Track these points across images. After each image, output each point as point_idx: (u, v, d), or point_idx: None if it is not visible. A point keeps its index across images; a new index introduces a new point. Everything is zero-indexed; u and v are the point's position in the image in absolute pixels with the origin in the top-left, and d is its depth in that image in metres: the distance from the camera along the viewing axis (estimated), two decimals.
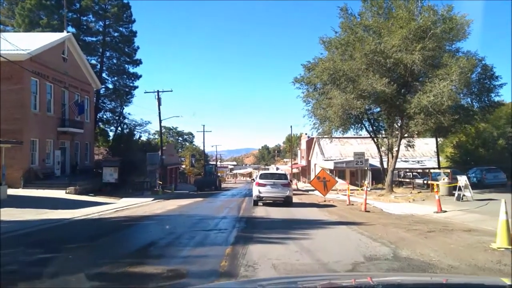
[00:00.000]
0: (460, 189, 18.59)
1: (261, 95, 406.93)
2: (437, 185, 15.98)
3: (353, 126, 28.98)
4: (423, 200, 19.97)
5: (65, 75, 28.99)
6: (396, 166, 48.70)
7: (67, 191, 24.24)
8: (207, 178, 39.06)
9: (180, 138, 75.68)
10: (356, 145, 53.70)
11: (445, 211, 14.95)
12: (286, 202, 17.17)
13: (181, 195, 30.52)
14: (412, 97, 20.29)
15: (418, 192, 24.34)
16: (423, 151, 52.17)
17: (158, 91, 35.01)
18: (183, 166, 58.85)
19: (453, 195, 20.79)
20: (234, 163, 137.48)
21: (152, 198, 24.78)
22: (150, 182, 33.27)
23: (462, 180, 18.56)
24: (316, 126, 28.54)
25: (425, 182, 26.84)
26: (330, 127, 25.90)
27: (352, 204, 18.75)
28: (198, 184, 38.17)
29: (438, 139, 49.26)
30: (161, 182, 34.77)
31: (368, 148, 53.94)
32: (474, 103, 23.23)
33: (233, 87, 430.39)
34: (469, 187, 18.54)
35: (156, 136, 65.71)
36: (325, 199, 21.15)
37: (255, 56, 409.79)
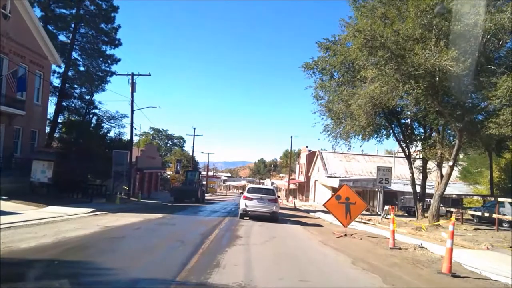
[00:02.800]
0: None
1: (261, 109, 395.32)
2: None
3: (376, 134, 20.87)
4: (511, 247, 11.67)
5: (5, 37, 20.94)
6: (409, 190, 40.33)
7: None
8: (186, 187, 30.63)
9: (170, 142, 67.14)
10: (363, 162, 45.56)
11: None
12: (272, 217, 16.27)
13: (145, 207, 22.13)
14: (498, 80, 12.15)
15: (475, 229, 16.02)
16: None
17: (132, 74, 27.01)
18: (169, 172, 50.41)
19: None
20: (229, 174, 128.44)
21: (92, 209, 16.35)
22: (110, 186, 24.92)
23: None
24: (329, 128, 20.47)
25: (486, 214, 18.29)
26: (352, 127, 17.77)
27: (400, 248, 10.45)
28: (175, 193, 29.72)
29: (461, 160, 41.17)
30: (126, 188, 26.52)
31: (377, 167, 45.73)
32: None
33: (233, 99, 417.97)
34: None
35: (137, 136, 57.37)
36: (345, 232, 12.86)
37: (257, 70, 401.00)
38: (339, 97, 18.60)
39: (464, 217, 20.11)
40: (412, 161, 20.86)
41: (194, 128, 48.30)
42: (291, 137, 49.06)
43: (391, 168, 20.48)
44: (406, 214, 34.29)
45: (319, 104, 19.91)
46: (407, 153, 20.71)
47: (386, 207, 22.43)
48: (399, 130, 20.74)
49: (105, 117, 33.39)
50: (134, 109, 27.03)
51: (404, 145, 20.71)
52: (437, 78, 13.52)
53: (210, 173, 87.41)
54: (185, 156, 56.06)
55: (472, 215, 20.36)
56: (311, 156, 50.80)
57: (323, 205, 13.29)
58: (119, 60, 33.10)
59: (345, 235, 12.71)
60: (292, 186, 56.22)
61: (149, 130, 62.49)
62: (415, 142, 20.83)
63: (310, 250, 9.38)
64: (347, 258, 8.31)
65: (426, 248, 10.74)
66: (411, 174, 20.70)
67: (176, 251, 7.69)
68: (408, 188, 39.82)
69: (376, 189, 37.89)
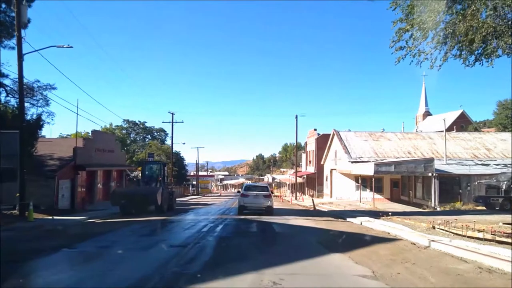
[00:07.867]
0: None
1: (256, 106, 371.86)
2: None
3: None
4: None
5: None
6: (476, 173, 27.30)
7: None
8: (136, 190, 17.70)
9: (149, 136, 53.93)
10: (396, 140, 32.47)
11: None
12: (267, 211, 16.39)
13: None
14: None
15: None
16: (501, 150, 30.96)
17: None
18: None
19: None
20: (226, 173, 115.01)
21: None
22: None
23: None
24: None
25: None
26: None
27: None
28: (117, 201, 16.62)
29: None
30: (18, 194, 13.69)
31: (415, 145, 32.52)
32: None
33: (227, 98, 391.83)
34: None
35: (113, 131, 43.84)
36: None
37: (252, 71, 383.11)
38: None
39: None
40: None
41: (172, 114, 35.24)
42: (296, 116, 36.32)
43: None
44: (484, 208, 21.46)
45: None
46: None
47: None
48: None
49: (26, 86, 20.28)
50: (23, 52, 14.07)
51: None
52: None
53: (204, 173, 74.28)
54: (163, 150, 42.86)
55: None
56: (323, 140, 37.92)
57: None
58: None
59: None
60: (298, 180, 43.23)
61: (122, 123, 49.77)
62: None
63: None
64: None
65: None
66: None
67: None
68: (477, 170, 24.84)
69: (430, 174, 25.01)
